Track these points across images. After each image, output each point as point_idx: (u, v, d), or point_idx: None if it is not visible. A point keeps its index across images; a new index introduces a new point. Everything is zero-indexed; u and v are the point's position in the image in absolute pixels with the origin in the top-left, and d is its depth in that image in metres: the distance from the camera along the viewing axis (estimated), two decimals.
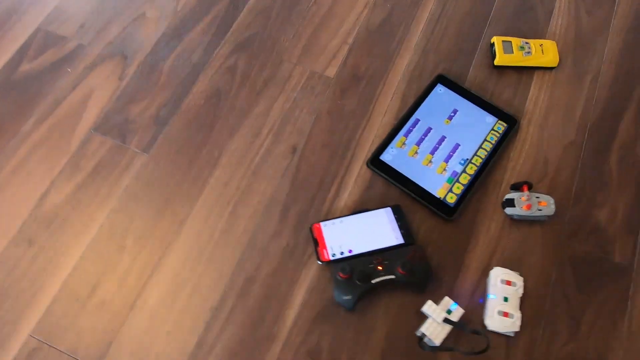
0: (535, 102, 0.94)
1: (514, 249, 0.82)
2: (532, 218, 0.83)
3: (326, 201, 0.86)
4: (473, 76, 0.97)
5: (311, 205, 0.85)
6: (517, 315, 0.75)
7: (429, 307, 0.74)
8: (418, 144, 0.89)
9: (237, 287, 0.79)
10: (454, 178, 0.86)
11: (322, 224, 0.81)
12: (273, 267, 0.81)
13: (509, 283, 0.77)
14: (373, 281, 0.75)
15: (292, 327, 0.77)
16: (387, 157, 0.88)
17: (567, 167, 0.88)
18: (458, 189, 0.85)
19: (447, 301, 0.75)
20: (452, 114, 0.92)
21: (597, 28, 1.02)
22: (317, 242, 0.79)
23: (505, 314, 0.75)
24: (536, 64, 0.96)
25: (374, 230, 0.80)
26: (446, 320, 0.72)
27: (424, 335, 0.73)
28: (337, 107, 0.93)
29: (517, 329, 0.74)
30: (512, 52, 0.95)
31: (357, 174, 0.88)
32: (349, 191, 0.86)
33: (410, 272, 0.76)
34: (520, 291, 0.77)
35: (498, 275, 0.78)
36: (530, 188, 0.83)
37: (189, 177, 0.87)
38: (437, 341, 0.72)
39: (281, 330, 0.76)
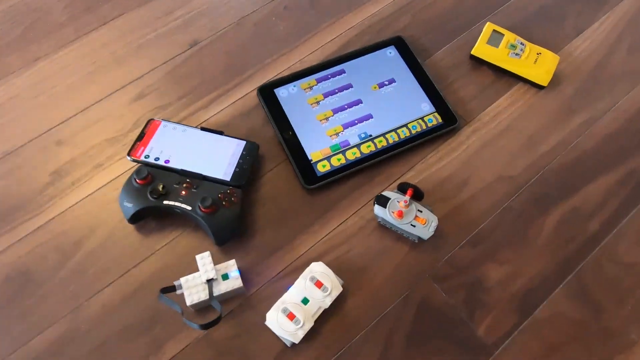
0: (496, 114, 0.73)
1: (363, 256, 0.63)
2: (399, 231, 0.64)
3: (190, 107, 0.72)
4: (440, 57, 0.77)
5: (173, 104, 0.72)
6: (306, 325, 0.57)
7: (202, 258, 0.58)
8: (326, 95, 0.72)
9: (44, 143, 0.68)
10: (341, 148, 0.68)
11: (163, 122, 0.68)
12: (92, 142, 0.69)
13: (319, 285, 0.59)
14: (165, 202, 0.61)
15: (67, 210, 0.65)
16: (282, 92, 0.72)
17: (487, 200, 0.67)
18: (338, 161, 0.68)
19: (230, 264, 0.59)
20: (387, 83, 0.73)
21: (630, 71, 0.78)
22: (142, 137, 0.66)
23: (291, 316, 0.57)
24: (520, 73, 0.74)
25: (209, 155, 0.65)
26: (208, 282, 0.57)
27: (180, 286, 0.57)
28: (268, 23, 0.79)
29: (295, 340, 0.56)
30: (497, 47, 0.75)
31: (242, 96, 0.73)
32: (222, 109, 0.72)
33: (211, 213, 0.60)
34: (328, 302, 0.58)
35: (315, 270, 0.60)
36: (417, 197, 0.64)
37: (73, 24, 0.77)
38: (188, 299, 0.56)
39: (54, 206, 0.64)
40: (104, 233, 0.63)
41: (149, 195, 0.61)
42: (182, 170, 0.63)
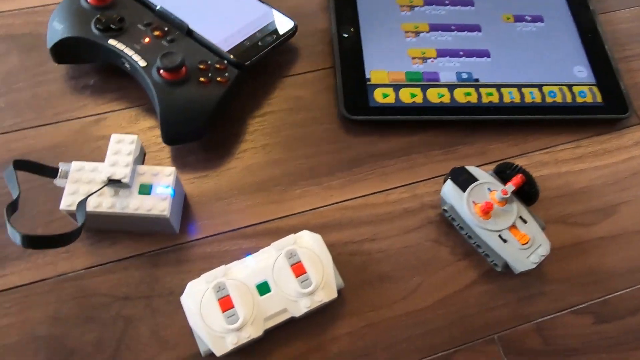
0: None
1: (394, 258, 0.35)
2: (475, 240, 0.35)
3: None
4: (628, 17, 0.48)
5: None
6: (245, 330, 0.30)
7: (119, 142, 0.32)
8: (429, 1, 0.45)
9: None
10: (423, 80, 0.41)
11: None
12: None
13: (298, 270, 0.32)
14: (111, 41, 0.36)
15: None
16: None
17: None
18: (411, 97, 0.40)
19: (163, 172, 0.33)
20: (529, 18, 0.45)
21: None
22: None
23: (226, 304, 0.30)
24: None
25: (218, 9, 0.39)
26: (111, 183, 0.31)
27: (65, 174, 0.32)
28: None
29: (216, 350, 0.29)
30: None
31: None
32: None
33: (174, 83, 0.35)
34: (303, 306, 0.31)
35: (303, 243, 0.33)
36: (526, 195, 0.35)
37: None
38: (64, 200, 0.31)
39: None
40: (15, 62, 0.40)
41: (92, 24, 0.37)
42: (161, 9, 0.38)
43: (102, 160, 0.33)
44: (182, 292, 0.31)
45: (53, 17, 0.37)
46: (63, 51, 0.37)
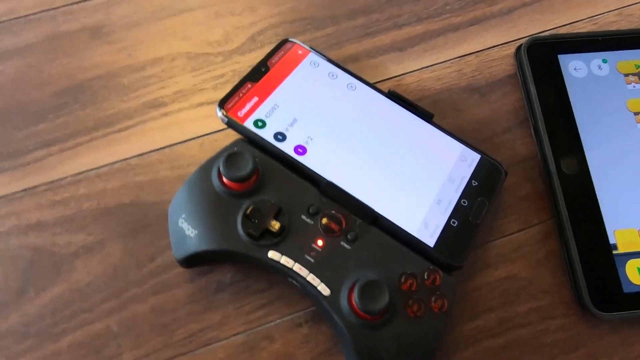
0: None
1: None
2: None
3: (364, 39, 0.34)
4: None
5: (327, 26, 0.35)
6: None
7: None
8: None
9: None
10: None
11: (312, 53, 0.30)
12: (157, 54, 0.33)
13: None
14: (271, 255, 0.25)
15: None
16: (575, 66, 0.31)
17: None
18: None
19: None
20: None
21: None
22: (260, 74, 0.29)
23: None
24: None
25: (399, 167, 0.28)
26: None
27: None
28: None
29: None
30: None
31: (479, 49, 0.34)
32: (432, 64, 0.34)
33: (371, 326, 0.24)
34: None
35: None
36: None
37: None
38: None
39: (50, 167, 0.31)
40: (118, 254, 0.29)
41: (240, 227, 0.25)
42: (329, 185, 0.26)
43: None
44: None
45: (176, 210, 0.25)
46: (195, 261, 0.26)
